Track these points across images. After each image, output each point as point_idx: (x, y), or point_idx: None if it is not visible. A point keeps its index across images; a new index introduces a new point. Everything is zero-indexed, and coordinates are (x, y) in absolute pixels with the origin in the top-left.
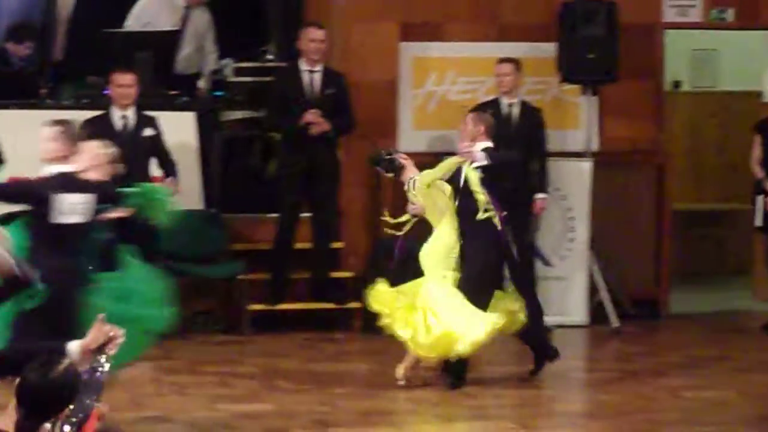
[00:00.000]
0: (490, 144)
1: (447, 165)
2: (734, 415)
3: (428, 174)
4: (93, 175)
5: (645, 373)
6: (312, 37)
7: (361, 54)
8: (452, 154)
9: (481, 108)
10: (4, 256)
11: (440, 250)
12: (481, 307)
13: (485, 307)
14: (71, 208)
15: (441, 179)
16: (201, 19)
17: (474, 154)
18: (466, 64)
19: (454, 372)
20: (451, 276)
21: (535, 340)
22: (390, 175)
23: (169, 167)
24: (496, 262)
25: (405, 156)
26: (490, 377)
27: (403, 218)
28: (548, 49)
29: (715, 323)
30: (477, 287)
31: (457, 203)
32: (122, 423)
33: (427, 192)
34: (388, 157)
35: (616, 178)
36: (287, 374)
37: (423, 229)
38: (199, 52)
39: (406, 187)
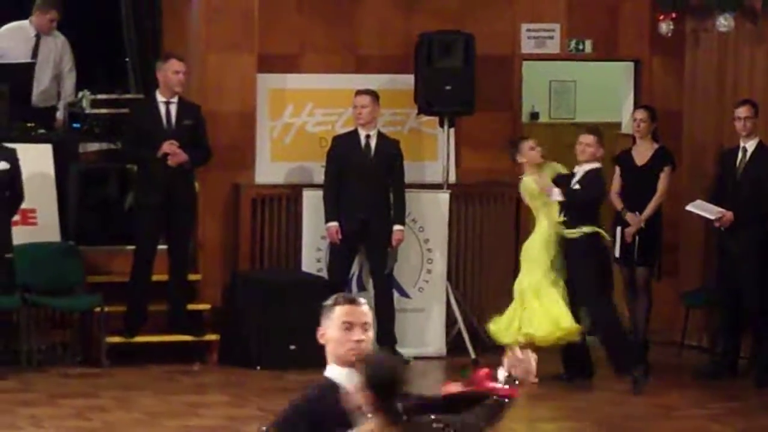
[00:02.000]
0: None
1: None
2: None
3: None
4: None
5: None
6: (176, 69)
7: (218, 85)
8: (310, 185)
9: (339, 139)
10: None
11: (538, 244)
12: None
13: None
14: None
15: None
16: (54, 44)
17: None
18: (323, 96)
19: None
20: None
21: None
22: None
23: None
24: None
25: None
26: None
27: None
28: (406, 80)
29: None
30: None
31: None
32: None
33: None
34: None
35: (473, 209)
36: (144, 407)
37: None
38: (56, 80)
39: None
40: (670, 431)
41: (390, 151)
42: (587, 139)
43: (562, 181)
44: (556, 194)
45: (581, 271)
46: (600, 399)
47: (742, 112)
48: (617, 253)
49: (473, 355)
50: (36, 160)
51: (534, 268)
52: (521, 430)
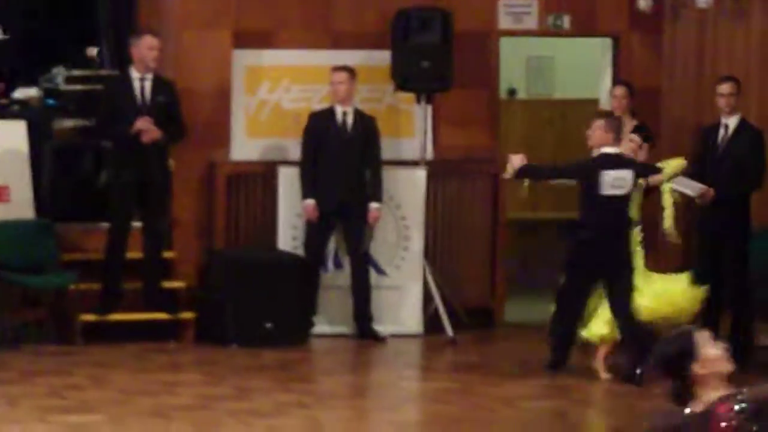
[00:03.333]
0: (616, 150)
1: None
2: (569, 424)
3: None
4: None
5: (480, 382)
6: (151, 45)
7: (193, 61)
8: (286, 162)
9: (316, 116)
10: None
11: None
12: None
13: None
14: None
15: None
16: None
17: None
18: (299, 72)
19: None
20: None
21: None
22: None
23: None
24: None
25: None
26: (324, 388)
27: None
28: (382, 57)
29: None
30: None
31: None
32: None
33: None
34: None
35: (450, 186)
36: (119, 385)
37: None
38: None
39: None
40: (650, 410)
41: (367, 127)
42: (596, 123)
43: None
44: None
45: None
46: (581, 377)
47: (726, 88)
48: None
49: (450, 333)
50: (10, 137)
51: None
52: (501, 408)
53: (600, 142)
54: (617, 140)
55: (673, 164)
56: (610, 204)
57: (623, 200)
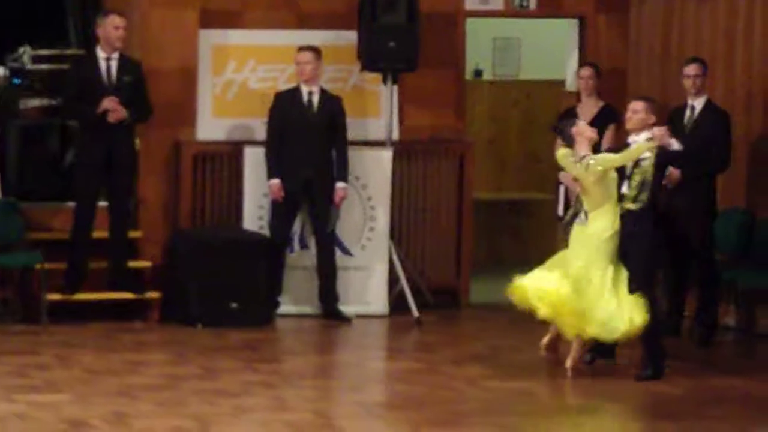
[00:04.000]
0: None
1: (637, 150)
2: (536, 405)
3: (613, 159)
4: None
5: (445, 363)
6: (116, 24)
7: (159, 41)
8: (252, 142)
9: (282, 96)
10: None
11: (598, 239)
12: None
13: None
14: None
15: (624, 164)
16: None
17: (667, 139)
18: (266, 52)
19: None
20: (608, 269)
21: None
22: (563, 143)
23: None
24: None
25: (580, 131)
26: (290, 368)
27: (570, 212)
28: (349, 37)
29: (516, 313)
30: (643, 277)
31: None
32: None
33: (602, 175)
34: (562, 128)
35: (416, 167)
36: (85, 364)
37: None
38: None
39: (573, 160)
40: (614, 390)
41: (333, 107)
42: (636, 105)
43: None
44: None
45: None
46: (538, 358)
47: (692, 70)
48: (560, 211)
49: (416, 314)
50: None
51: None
52: (467, 389)
53: (643, 125)
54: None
55: (636, 150)
56: None
57: None
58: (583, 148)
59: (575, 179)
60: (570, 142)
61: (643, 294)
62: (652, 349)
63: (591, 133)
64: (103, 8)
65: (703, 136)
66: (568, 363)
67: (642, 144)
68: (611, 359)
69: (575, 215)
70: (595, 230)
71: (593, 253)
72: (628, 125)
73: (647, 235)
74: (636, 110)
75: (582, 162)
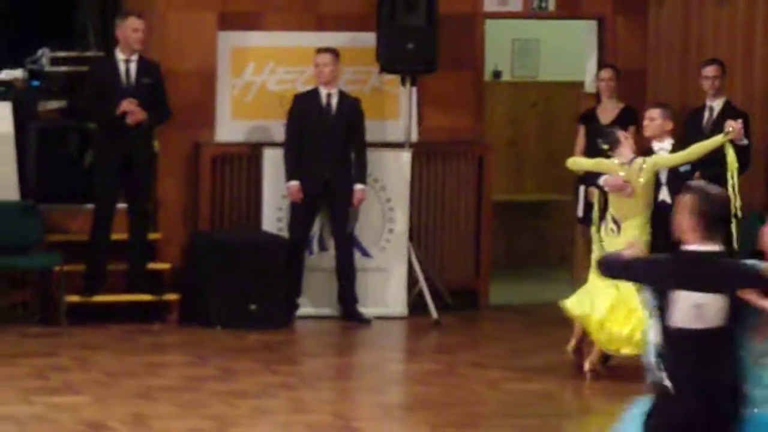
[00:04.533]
0: (672, 141)
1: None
2: (554, 407)
3: (676, 156)
4: None
5: (464, 364)
6: (135, 27)
7: (178, 43)
8: (271, 144)
9: (300, 98)
10: None
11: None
12: None
13: None
14: None
15: (681, 165)
16: None
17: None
18: (284, 54)
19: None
20: None
21: None
22: (605, 147)
23: None
24: None
25: (626, 135)
26: (308, 369)
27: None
28: (367, 38)
29: (535, 315)
30: None
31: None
32: None
33: (648, 179)
34: (609, 131)
35: (435, 168)
36: (104, 366)
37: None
38: None
39: (617, 162)
40: (633, 393)
41: (351, 109)
42: (652, 113)
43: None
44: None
45: None
46: (565, 360)
47: (710, 71)
48: (580, 213)
49: (435, 315)
50: None
51: None
52: (486, 391)
53: (661, 131)
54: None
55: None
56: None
57: None
58: (628, 152)
59: (626, 181)
60: (614, 146)
61: None
62: None
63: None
64: (122, 10)
65: None
66: (587, 366)
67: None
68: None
69: (601, 219)
70: (628, 239)
71: None
72: (646, 132)
73: None
74: (653, 117)
75: (631, 164)
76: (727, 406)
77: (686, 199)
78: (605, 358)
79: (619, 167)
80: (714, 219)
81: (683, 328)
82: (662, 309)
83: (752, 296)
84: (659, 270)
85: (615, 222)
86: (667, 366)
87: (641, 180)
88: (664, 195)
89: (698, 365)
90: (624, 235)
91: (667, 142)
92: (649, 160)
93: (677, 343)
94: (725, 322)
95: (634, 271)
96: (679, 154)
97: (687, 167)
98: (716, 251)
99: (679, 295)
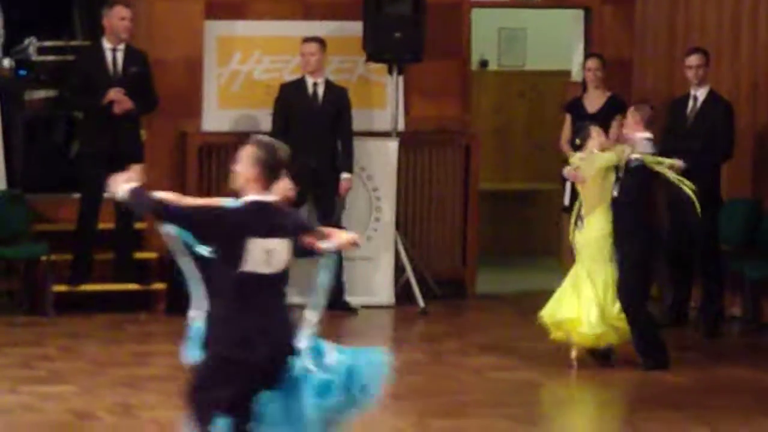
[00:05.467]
0: (646, 135)
1: (619, 151)
2: (540, 396)
3: (607, 157)
4: None
5: (451, 353)
6: (122, 16)
7: (165, 32)
8: (258, 133)
9: (287, 87)
10: None
11: (597, 240)
12: (637, 299)
13: (643, 298)
14: None
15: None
16: None
17: (639, 142)
18: (271, 43)
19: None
20: (607, 270)
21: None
22: (578, 142)
23: None
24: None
25: (599, 131)
26: None
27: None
28: (354, 28)
29: (522, 303)
30: (633, 280)
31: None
32: None
33: (603, 174)
34: (581, 126)
35: (422, 157)
36: (90, 355)
37: None
38: None
39: (578, 156)
40: (621, 381)
41: (338, 98)
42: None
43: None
44: None
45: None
46: (551, 349)
47: (694, 60)
48: (566, 201)
49: (422, 304)
50: None
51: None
52: (472, 379)
53: (631, 127)
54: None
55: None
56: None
57: None
58: (595, 146)
59: (575, 169)
60: (585, 141)
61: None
62: (649, 344)
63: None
64: None
65: (706, 126)
66: (573, 353)
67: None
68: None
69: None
70: (591, 232)
71: (593, 254)
72: (624, 130)
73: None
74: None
75: (589, 154)
76: (283, 350)
77: (247, 150)
78: (605, 354)
79: (578, 159)
80: (271, 168)
81: (255, 273)
82: (233, 257)
83: (312, 239)
84: (229, 220)
85: (581, 219)
86: (228, 310)
87: (591, 173)
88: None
89: (265, 309)
90: (587, 229)
91: (639, 135)
92: (599, 158)
93: (249, 288)
94: (287, 266)
95: (197, 221)
96: (610, 155)
97: (638, 162)
98: (274, 201)
99: (252, 242)
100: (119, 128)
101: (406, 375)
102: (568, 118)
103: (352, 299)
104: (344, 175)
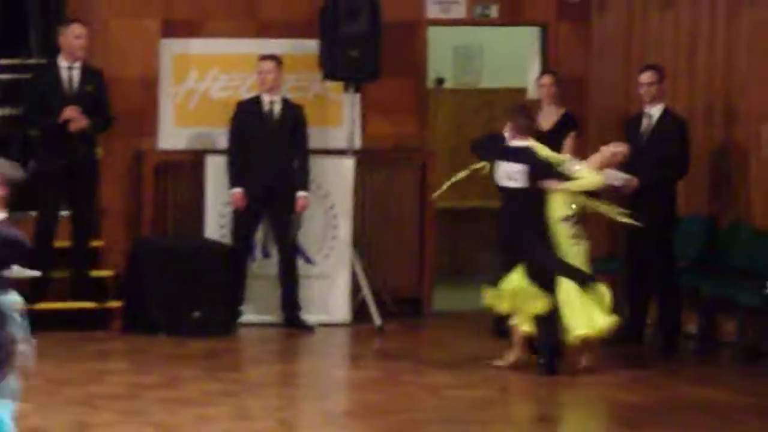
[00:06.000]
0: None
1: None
2: (497, 413)
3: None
4: None
5: (407, 371)
6: (78, 34)
7: (121, 50)
8: (214, 151)
9: (243, 105)
10: None
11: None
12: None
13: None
14: None
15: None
16: None
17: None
18: (227, 61)
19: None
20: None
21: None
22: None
23: None
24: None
25: None
26: (252, 377)
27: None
28: (311, 45)
29: (478, 321)
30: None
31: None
32: None
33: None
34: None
35: (379, 175)
36: (47, 374)
37: None
38: None
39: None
40: (576, 399)
41: (294, 116)
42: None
43: None
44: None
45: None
46: (500, 366)
47: (645, 77)
48: None
49: (378, 322)
50: None
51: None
52: (428, 397)
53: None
54: (526, 132)
55: (587, 182)
56: (504, 193)
57: (517, 192)
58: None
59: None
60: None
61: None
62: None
63: None
64: (65, 18)
65: (660, 144)
66: (500, 361)
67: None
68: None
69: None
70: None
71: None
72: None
73: None
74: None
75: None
76: None
77: None
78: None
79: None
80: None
81: None
82: None
83: None
84: None
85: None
86: None
87: None
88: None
89: None
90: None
91: (530, 141)
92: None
93: None
94: None
95: None
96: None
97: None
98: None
99: None
100: (75, 146)
101: (362, 393)
102: None
103: (308, 317)
104: (300, 193)
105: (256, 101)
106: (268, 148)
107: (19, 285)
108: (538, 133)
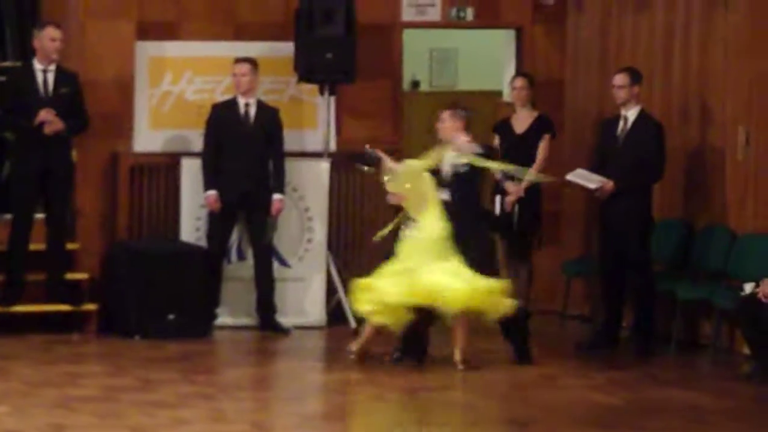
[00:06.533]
0: (467, 138)
1: (435, 155)
2: (472, 416)
3: (416, 164)
4: None
5: (382, 373)
6: (53, 36)
7: (96, 53)
8: (189, 154)
9: (218, 107)
10: None
11: (435, 242)
12: None
13: None
14: None
15: (428, 168)
16: None
17: (463, 145)
18: (202, 64)
19: (414, 350)
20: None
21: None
22: (368, 168)
23: None
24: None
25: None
26: (227, 379)
27: (388, 228)
28: (285, 48)
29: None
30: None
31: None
32: None
33: (413, 181)
34: (365, 152)
35: (354, 178)
36: (23, 376)
37: None
38: None
39: (385, 178)
40: (552, 401)
41: (269, 119)
42: (443, 116)
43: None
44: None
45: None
46: (485, 369)
47: (618, 80)
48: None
49: (353, 325)
50: None
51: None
52: (404, 400)
53: (451, 133)
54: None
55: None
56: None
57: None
58: (389, 163)
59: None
60: (377, 165)
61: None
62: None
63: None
64: (40, 20)
65: (636, 147)
66: (353, 347)
67: (438, 150)
68: (420, 361)
69: (396, 230)
70: (427, 232)
71: (425, 253)
72: (440, 134)
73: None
74: (443, 120)
75: (391, 175)
76: None
77: None
78: (398, 355)
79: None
80: None
81: None
82: None
83: None
84: None
85: (412, 221)
86: None
87: (401, 188)
88: (444, 195)
89: None
90: (422, 229)
91: (463, 138)
92: (408, 166)
93: None
94: None
95: None
96: (420, 161)
97: (466, 168)
98: None
99: None
100: (50, 149)
101: (338, 395)
102: (496, 138)
103: (283, 320)
104: (276, 196)
105: (231, 104)
106: (244, 150)
107: None
108: (513, 137)
